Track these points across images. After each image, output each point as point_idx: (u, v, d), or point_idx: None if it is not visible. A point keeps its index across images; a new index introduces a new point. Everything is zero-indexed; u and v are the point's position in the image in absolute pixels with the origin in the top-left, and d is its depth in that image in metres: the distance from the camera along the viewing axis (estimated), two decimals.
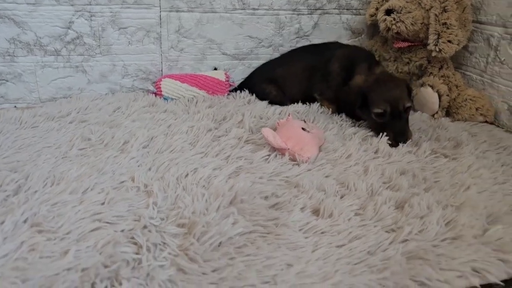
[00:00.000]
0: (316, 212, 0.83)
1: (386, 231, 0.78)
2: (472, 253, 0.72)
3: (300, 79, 1.40)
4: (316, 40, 1.56)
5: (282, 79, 1.42)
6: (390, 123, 1.13)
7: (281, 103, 1.38)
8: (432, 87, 1.35)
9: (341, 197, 0.87)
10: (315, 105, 1.37)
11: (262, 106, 1.35)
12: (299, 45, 1.55)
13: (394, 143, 1.11)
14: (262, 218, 0.78)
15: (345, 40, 1.59)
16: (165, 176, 0.92)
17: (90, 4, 1.32)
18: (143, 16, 1.38)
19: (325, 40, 1.55)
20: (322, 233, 0.77)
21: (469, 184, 0.94)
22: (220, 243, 0.71)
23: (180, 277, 0.64)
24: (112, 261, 0.67)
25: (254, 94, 1.44)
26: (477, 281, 0.69)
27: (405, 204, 0.84)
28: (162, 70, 1.46)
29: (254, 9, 1.46)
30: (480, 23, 1.40)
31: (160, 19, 1.40)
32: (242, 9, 1.45)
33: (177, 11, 1.40)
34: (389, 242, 0.75)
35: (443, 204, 0.85)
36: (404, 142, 1.12)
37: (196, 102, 1.36)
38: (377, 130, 1.16)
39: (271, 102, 1.39)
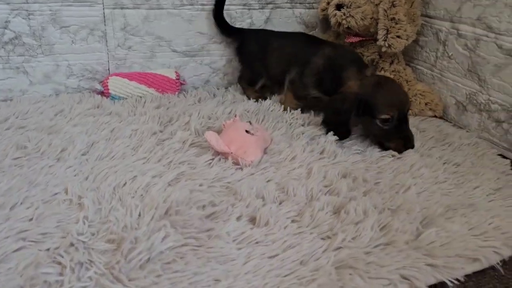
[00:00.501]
0: (252, 220, 0.82)
1: (322, 238, 0.78)
2: (402, 260, 0.72)
3: (282, 60, 1.35)
4: None
5: (270, 55, 1.38)
6: (396, 129, 1.07)
7: (253, 81, 1.42)
8: None
9: (280, 203, 0.86)
10: (267, 103, 1.35)
11: (212, 105, 1.33)
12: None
13: (402, 150, 1.08)
14: (195, 230, 0.76)
15: None
16: (102, 186, 0.89)
17: (27, 3, 1.26)
18: (86, 14, 1.32)
19: None
20: (256, 243, 0.76)
21: (409, 184, 0.95)
22: (149, 259, 0.69)
23: None
24: (32, 284, 0.64)
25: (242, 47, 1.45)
26: (405, 287, 0.70)
27: (342, 209, 0.84)
28: (109, 69, 1.41)
29: (203, 4, 1.43)
30: (429, 17, 1.40)
31: (104, 16, 1.34)
32: (190, 5, 1.41)
33: (121, 8, 1.35)
34: (322, 250, 0.74)
35: (380, 208, 0.85)
36: (412, 147, 1.09)
37: (144, 102, 1.32)
38: (382, 137, 1.10)
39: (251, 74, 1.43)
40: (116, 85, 1.35)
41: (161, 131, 1.14)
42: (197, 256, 0.71)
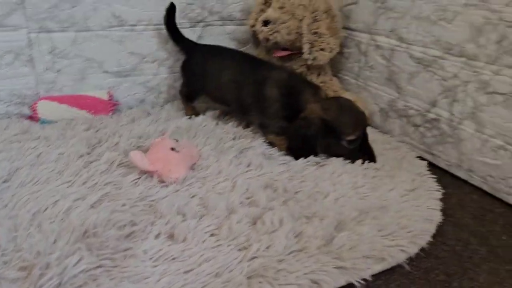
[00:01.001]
0: (171, 237, 0.83)
1: (239, 249, 0.80)
2: (311, 265, 0.76)
3: (226, 88, 1.31)
4: None
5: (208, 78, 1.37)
6: (360, 147, 1.13)
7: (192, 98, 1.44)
8: None
9: (200, 218, 0.88)
10: (199, 119, 1.38)
11: (145, 124, 1.34)
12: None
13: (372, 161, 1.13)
14: (111, 251, 0.77)
15: None
16: (20, 213, 0.88)
17: None
18: (10, 38, 1.31)
19: None
20: (173, 259, 0.77)
21: (328, 191, 0.99)
22: (60, 283, 0.69)
23: None
24: None
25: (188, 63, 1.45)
26: None
27: (258, 220, 0.87)
28: (39, 93, 1.39)
29: (132, 25, 1.44)
30: (351, 29, 1.47)
31: (30, 40, 1.33)
32: (119, 26, 1.43)
33: (47, 31, 1.34)
34: (237, 262, 0.77)
35: (296, 216, 0.88)
36: (375, 162, 1.13)
37: (75, 125, 1.31)
38: (347, 156, 1.13)
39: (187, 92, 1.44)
40: (45, 108, 1.34)
41: (88, 154, 1.14)
42: (110, 277, 0.72)
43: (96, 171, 1.05)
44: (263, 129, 1.24)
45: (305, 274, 0.73)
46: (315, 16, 1.39)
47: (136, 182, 1.01)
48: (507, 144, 1.01)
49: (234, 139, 1.26)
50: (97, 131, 1.27)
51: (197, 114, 1.42)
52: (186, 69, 1.44)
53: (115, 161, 1.09)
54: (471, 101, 1.08)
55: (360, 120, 1.11)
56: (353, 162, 1.12)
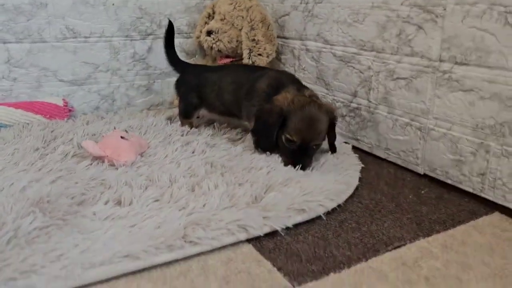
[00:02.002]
0: (118, 203, 0.93)
1: (179, 210, 0.91)
2: (240, 215, 0.88)
3: (226, 92, 1.35)
4: (153, 62, 1.70)
5: (208, 88, 1.39)
6: (295, 151, 1.13)
7: (189, 114, 1.44)
8: None
9: (146, 189, 0.99)
10: (150, 120, 1.50)
11: (99, 125, 1.44)
12: (136, 68, 1.68)
13: (286, 165, 1.13)
14: (63, 213, 0.86)
15: None
16: None
17: None
18: None
19: (162, 62, 1.71)
20: (120, 218, 0.88)
21: (261, 166, 1.12)
22: (15, 236, 0.78)
23: None
24: None
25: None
26: (243, 236, 0.85)
27: (197, 186, 0.99)
28: None
29: (86, 37, 1.56)
30: (286, 38, 1.66)
31: None
32: (73, 38, 1.55)
33: (4, 42, 1.45)
34: (177, 218, 0.88)
35: (230, 183, 1.01)
36: (300, 168, 1.11)
37: (31, 127, 1.40)
38: (283, 150, 1.16)
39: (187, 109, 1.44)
40: (1, 113, 1.42)
41: (43, 147, 1.23)
42: (61, 231, 0.82)
43: (50, 160, 1.15)
44: (247, 118, 1.29)
45: (234, 221, 0.86)
46: (252, 25, 1.56)
47: (88, 168, 1.11)
48: (412, 121, 1.19)
49: (182, 135, 1.38)
50: (53, 131, 1.37)
51: (195, 127, 1.45)
52: (182, 87, 1.46)
53: (69, 153, 1.19)
54: (382, 87, 1.26)
55: (309, 130, 1.11)
56: (284, 163, 1.14)
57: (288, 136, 1.12)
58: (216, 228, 0.83)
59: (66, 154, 1.19)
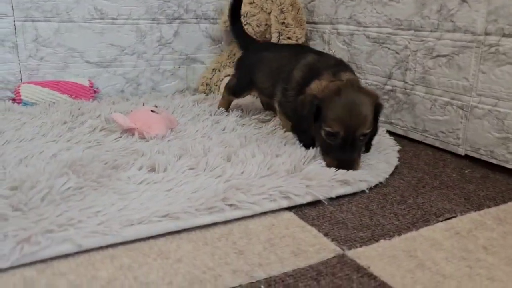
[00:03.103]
0: (152, 169, 0.90)
1: (215, 178, 0.88)
2: (281, 183, 0.84)
3: (270, 75, 1.24)
4: (179, 47, 1.68)
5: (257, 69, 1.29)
6: (339, 147, 0.94)
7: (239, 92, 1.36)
8: None
9: (179, 158, 0.95)
10: (176, 101, 1.47)
11: (125, 105, 1.42)
12: (162, 52, 1.65)
13: (331, 165, 0.94)
14: (97, 175, 0.83)
15: (206, 47, 1.73)
16: (8, 158, 0.93)
17: None
18: None
19: (187, 47, 1.69)
20: (155, 183, 0.84)
21: (293, 142, 1.08)
22: (48, 193, 0.74)
23: (1, 224, 0.67)
24: None
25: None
26: (285, 203, 0.81)
27: (233, 155, 0.95)
28: (21, 79, 1.46)
29: (113, 18, 1.55)
30: (315, 23, 1.62)
31: (15, 28, 1.42)
32: (100, 19, 1.53)
33: (32, 20, 1.43)
34: (215, 184, 0.84)
35: (267, 153, 0.97)
36: (348, 169, 0.93)
37: (58, 105, 1.38)
38: (324, 149, 0.98)
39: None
40: (28, 91, 1.40)
41: (71, 121, 1.20)
42: (96, 191, 0.78)
43: (79, 133, 1.12)
44: (280, 107, 1.18)
45: (276, 187, 0.81)
46: (282, 8, 1.53)
47: (118, 140, 1.08)
48: (452, 100, 1.14)
49: (210, 115, 1.35)
50: (79, 108, 1.34)
51: (227, 109, 1.41)
52: (240, 65, 1.38)
53: (98, 127, 1.16)
54: (420, 67, 1.22)
55: (351, 116, 0.92)
56: (325, 162, 0.96)
57: (327, 128, 0.94)
58: (257, 193, 0.79)
59: (94, 128, 1.16)
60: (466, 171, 1.05)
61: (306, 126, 1.01)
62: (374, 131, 1.03)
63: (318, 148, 1.00)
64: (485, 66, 1.05)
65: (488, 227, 0.78)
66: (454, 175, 1.02)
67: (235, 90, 1.37)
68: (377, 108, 0.99)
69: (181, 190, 0.81)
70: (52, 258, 0.63)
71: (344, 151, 0.94)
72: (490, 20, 1.03)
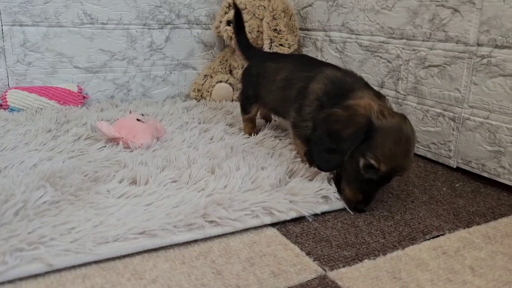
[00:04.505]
0: (134, 182, 0.87)
1: (198, 191, 0.85)
2: (265, 198, 0.81)
3: (277, 88, 1.12)
4: (170, 52, 1.66)
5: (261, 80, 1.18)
6: (371, 182, 0.82)
7: (246, 107, 1.23)
8: None
9: (162, 169, 0.93)
10: (166, 108, 1.45)
11: (113, 112, 1.39)
12: (153, 58, 1.63)
13: (351, 206, 0.85)
14: (75, 188, 0.81)
15: (198, 53, 1.71)
16: None
17: None
18: None
19: (179, 53, 1.66)
20: (135, 197, 0.82)
21: (285, 152, 1.06)
22: (23, 207, 0.72)
23: None
24: None
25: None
26: (268, 219, 0.79)
27: (217, 167, 0.92)
28: (8, 85, 1.44)
29: (103, 23, 1.53)
30: (308, 30, 1.60)
31: (2, 33, 1.39)
32: (90, 24, 1.51)
33: (20, 25, 1.41)
34: (197, 198, 0.82)
35: (252, 165, 0.95)
36: (362, 211, 0.85)
37: (44, 111, 1.35)
38: (350, 177, 0.84)
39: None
40: (15, 97, 1.38)
41: (56, 129, 1.18)
42: (73, 206, 0.76)
43: (63, 141, 1.10)
44: (294, 129, 1.02)
45: (258, 202, 0.79)
46: (274, 15, 1.51)
47: (102, 150, 1.06)
48: (444, 111, 1.12)
49: (199, 123, 1.33)
50: (66, 115, 1.32)
51: (255, 133, 1.24)
52: (244, 76, 1.28)
53: (83, 135, 1.14)
54: (412, 77, 1.19)
55: (403, 157, 0.81)
56: (346, 198, 0.85)
57: (372, 161, 0.79)
58: (239, 209, 0.77)
59: (79, 137, 1.13)
60: (457, 185, 1.03)
61: (344, 150, 0.81)
62: None
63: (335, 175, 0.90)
64: (477, 77, 1.03)
65: (476, 246, 0.76)
66: (444, 189, 1.00)
67: (242, 107, 1.25)
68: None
69: (162, 204, 0.79)
70: (21, 279, 0.61)
71: (374, 188, 0.83)
72: (483, 31, 1.01)
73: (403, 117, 0.84)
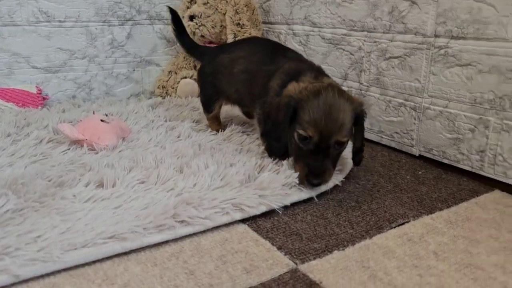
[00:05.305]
0: (100, 185, 0.86)
1: (167, 191, 0.85)
2: (234, 194, 0.81)
3: (238, 81, 1.13)
4: (133, 49, 1.62)
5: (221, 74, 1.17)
6: (312, 154, 0.87)
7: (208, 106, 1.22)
8: None
9: (130, 171, 0.92)
10: (131, 107, 1.42)
11: (76, 113, 1.36)
12: (115, 55, 1.59)
13: (303, 180, 0.88)
14: (39, 194, 0.78)
15: (161, 49, 1.69)
16: None
17: None
18: None
19: (141, 49, 1.63)
20: (102, 200, 0.80)
21: (253, 148, 1.06)
22: None
23: None
24: None
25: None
26: (238, 215, 0.79)
27: (185, 166, 0.92)
28: None
29: (60, 21, 1.48)
30: (271, 23, 1.61)
31: None
32: (47, 22, 1.46)
33: None
34: (166, 198, 0.81)
35: (221, 162, 0.95)
36: (316, 185, 0.88)
37: (2, 114, 1.30)
38: (295, 154, 0.91)
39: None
40: None
41: (16, 133, 1.14)
42: (38, 213, 0.74)
43: (24, 146, 1.06)
44: (260, 125, 1.04)
45: (228, 199, 0.79)
46: (237, 9, 1.50)
47: (66, 153, 1.03)
48: (406, 101, 1.15)
49: (166, 121, 1.31)
50: (26, 118, 1.27)
51: (222, 129, 1.23)
52: (200, 75, 1.25)
53: (44, 138, 1.10)
54: (374, 68, 1.22)
55: (327, 120, 0.85)
56: (299, 174, 0.89)
57: (300, 131, 0.87)
58: (209, 207, 0.77)
59: (41, 140, 1.10)
60: (420, 172, 1.07)
61: (281, 132, 0.91)
62: (361, 139, 0.95)
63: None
64: (436, 67, 1.06)
65: (439, 231, 0.79)
66: (408, 177, 1.03)
67: (204, 106, 1.23)
68: (359, 116, 0.91)
69: (130, 206, 0.78)
70: None
71: (316, 158, 0.87)
72: (439, 22, 1.04)
73: (330, 87, 0.89)
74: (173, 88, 1.65)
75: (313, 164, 0.87)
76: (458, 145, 1.04)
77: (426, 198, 0.92)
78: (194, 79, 1.63)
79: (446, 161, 1.08)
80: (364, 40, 1.24)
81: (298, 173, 0.89)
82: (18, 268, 0.61)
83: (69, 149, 1.04)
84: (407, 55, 1.13)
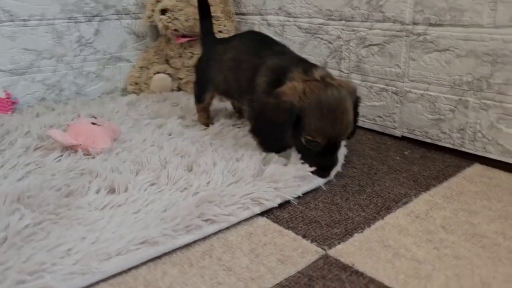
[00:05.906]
0: (112, 191, 0.85)
1: (181, 191, 0.85)
2: (250, 189, 0.84)
3: (226, 68, 1.13)
4: (102, 46, 1.57)
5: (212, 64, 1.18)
6: (320, 153, 0.92)
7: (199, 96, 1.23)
8: None
9: (137, 174, 0.91)
10: (110, 106, 1.38)
11: (52, 116, 1.30)
12: (84, 53, 1.54)
13: (316, 173, 0.93)
14: (53, 206, 0.76)
15: (131, 44, 1.64)
16: None
17: None
18: None
19: (110, 45, 1.58)
20: (119, 206, 0.79)
21: (245, 142, 1.08)
22: (6, 237, 0.67)
23: None
24: None
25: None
26: (258, 209, 0.81)
27: (193, 164, 0.93)
28: None
29: (24, 20, 1.40)
30: (243, 14, 1.61)
31: None
32: (10, 21, 1.37)
33: None
34: (183, 199, 0.81)
35: (227, 158, 0.96)
36: (324, 176, 0.94)
37: None
38: (303, 154, 0.95)
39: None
40: None
41: None
42: (58, 225, 0.72)
43: (11, 155, 1.01)
44: (250, 122, 1.05)
45: (246, 195, 0.81)
46: (210, 2, 1.49)
47: (60, 159, 1.00)
48: (387, 86, 1.21)
49: (150, 119, 1.30)
50: (2, 125, 1.20)
51: (210, 122, 1.24)
52: (196, 65, 1.27)
53: (31, 146, 1.06)
54: (354, 56, 1.27)
55: (334, 126, 0.88)
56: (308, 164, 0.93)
57: (309, 138, 0.89)
58: (230, 203, 0.79)
59: (27, 148, 1.05)
60: (406, 152, 1.14)
61: (282, 134, 0.93)
62: (354, 125, 0.98)
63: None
64: (415, 53, 1.13)
65: (440, 206, 0.86)
66: (398, 158, 1.10)
67: (196, 96, 1.25)
68: (357, 102, 0.97)
69: (150, 210, 0.78)
70: None
71: (325, 157, 0.92)
72: (417, 10, 1.10)
73: (328, 85, 0.90)
74: (145, 83, 1.62)
75: (323, 161, 0.93)
76: (440, 125, 1.12)
77: (419, 177, 0.99)
78: (168, 73, 1.62)
79: (428, 140, 1.15)
80: (342, 29, 1.28)
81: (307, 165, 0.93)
82: (59, 284, 0.60)
83: (62, 155, 1.01)
84: (386, 43, 1.18)
